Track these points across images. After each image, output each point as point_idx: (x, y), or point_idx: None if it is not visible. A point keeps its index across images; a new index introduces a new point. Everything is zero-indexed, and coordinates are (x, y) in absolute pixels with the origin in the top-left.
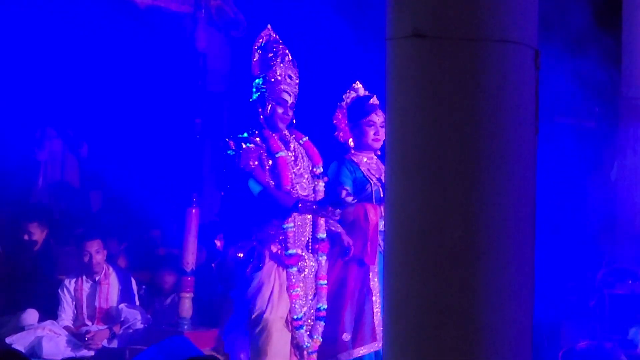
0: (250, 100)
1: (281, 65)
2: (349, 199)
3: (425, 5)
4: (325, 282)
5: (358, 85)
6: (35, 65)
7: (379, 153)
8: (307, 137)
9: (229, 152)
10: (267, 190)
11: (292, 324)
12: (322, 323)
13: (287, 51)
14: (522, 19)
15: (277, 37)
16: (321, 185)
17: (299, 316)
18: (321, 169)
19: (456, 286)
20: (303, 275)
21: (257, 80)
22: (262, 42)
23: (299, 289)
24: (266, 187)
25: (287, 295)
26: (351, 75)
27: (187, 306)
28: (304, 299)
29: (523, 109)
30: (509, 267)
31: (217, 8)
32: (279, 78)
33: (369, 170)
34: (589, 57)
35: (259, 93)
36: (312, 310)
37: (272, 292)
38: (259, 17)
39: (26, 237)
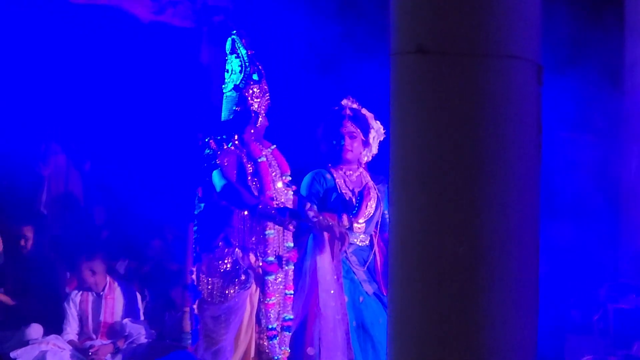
0: (236, 109)
1: (264, 79)
2: (311, 213)
3: (429, 21)
4: (292, 291)
5: (346, 100)
6: (40, 80)
7: (364, 166)
8: (274, 146)
9: (206, 151)
10: (232, 185)
11: (267, 334)
12: (288, 333)
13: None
14: (525, 34)
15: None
16: (290, 193)
17: (274, 326)
18: (289, 178)
19: (460, 301)
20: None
21: (250, 86)
22: (249, 57)
23: (274, 298)
24: (231, 182)
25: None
26: (344, 90)
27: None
28: (278, 309)
29: (526, 124)
30: (513, 281)
31: (220, 23)
32: (266, 93)
33: (344, 182)
34: (591, 70)
35: (254, 100)
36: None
37: (243, 317)
38: (261, 32)
39: (30, 250)
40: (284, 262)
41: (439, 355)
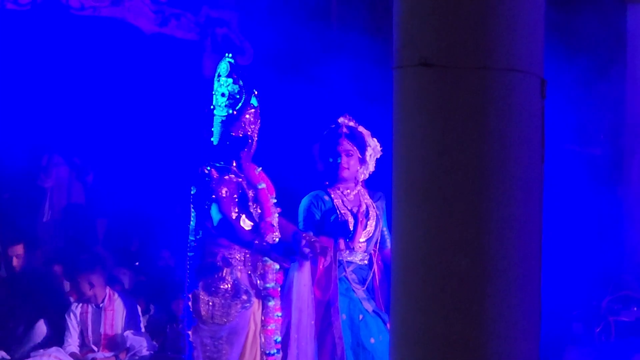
0: (233, 134)
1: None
2: (306, 250)
3: (432, 34)
4: (280, 314)
5: (343, 118)
6: (42, 91)
7: (361, 184)
8: (260, 168)
9: (206, 179)
10: (227, 220)
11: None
12: (279, 355)
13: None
14: (529, 48)
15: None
16: (275, 216)
17: (273, 352)
18: (275, 200)
19: (463, 313)
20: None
21: (246, 111)
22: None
23: (273, 323)
24: (227, 216)
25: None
26: (341, 108)
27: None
28: (276, 334)
29: (529, 137)
30: (515, 293)
31: (223, 36)
32: (259, 117)
33: (342, 202)
34: (595, 85)
35: (249, 125)
36: None
37: (247, 336)
38: (264, 45)
39: (33, 265)
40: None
41: None
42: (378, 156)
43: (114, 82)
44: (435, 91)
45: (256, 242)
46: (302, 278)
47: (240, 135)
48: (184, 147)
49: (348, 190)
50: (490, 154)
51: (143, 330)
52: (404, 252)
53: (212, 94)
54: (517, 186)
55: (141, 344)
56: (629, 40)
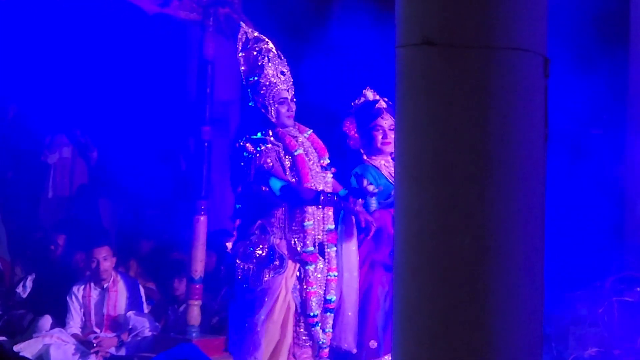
0: (250, 104)
1: (270, 64)
2: (371, 187)
3: (435, 13)
4: (336, 273)
5: (368, 91)
6: (45, 70)
7: (393, 156)
8: (311, 130)
9: (244, 154)
10: (289, 185)
11: (307, 321)
12: (330, 314)
13: (270, 46)
14: (532, 26)
15: (257, 34)
16: (329, 177)
17: (315, 313)
18: (328, 161)
19: (466, 292)
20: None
21: (250, 82)
22: (241, 42)
23: (315, 286)
24: (287, 182)
25: (290, 299)
26: (362, 82)
27: (195, 314)
28: (320, 296)
29: (532, 116)
30: (518, 273)
31: (226, 16)
32: (272, 79)
33: (390, 174)
34: (597, 64)
35: (258, 96)
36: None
37: (277, 299)
38: (267, 25)
39: (51, 246)
40: (325, 247)
41: (444, 347)
42: None
43: (116, 62)
44: (438, 70)
45: (322, 197)
46: (349, 247)
47: (260, 104)
48: (184, 127)
49: (388, 163)
50: (494, 132)
51: (146, 310)
52: (407, 231)
53: None
54: (520, 165)
55: (144, 324)
56: (632, 21)
